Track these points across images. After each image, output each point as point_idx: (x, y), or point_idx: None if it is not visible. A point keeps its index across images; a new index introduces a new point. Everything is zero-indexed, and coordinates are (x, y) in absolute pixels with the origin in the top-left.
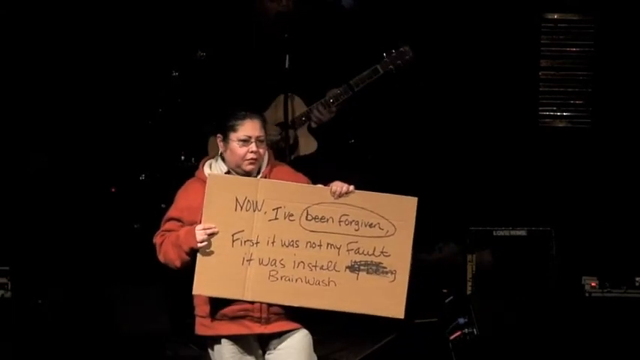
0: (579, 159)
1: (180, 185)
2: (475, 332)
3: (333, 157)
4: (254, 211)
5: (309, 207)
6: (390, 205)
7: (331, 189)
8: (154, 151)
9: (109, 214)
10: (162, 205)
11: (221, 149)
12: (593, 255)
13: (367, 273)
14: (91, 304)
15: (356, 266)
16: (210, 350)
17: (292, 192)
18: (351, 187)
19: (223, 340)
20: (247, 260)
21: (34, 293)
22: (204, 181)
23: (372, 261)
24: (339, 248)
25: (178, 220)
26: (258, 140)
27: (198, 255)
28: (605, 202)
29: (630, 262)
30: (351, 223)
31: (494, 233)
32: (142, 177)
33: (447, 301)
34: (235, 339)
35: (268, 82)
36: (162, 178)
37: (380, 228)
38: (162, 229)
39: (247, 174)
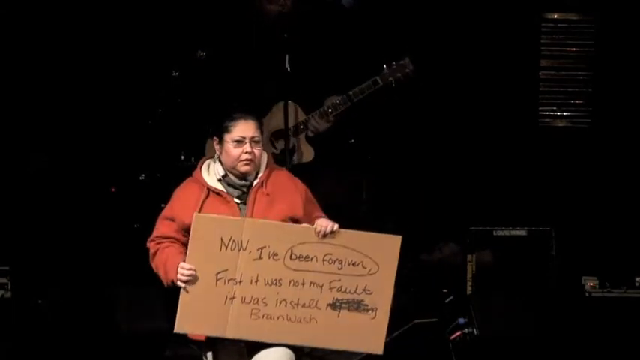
0: (579, 159)
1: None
2: (475, 332)
3: (332, 160)
4: (239, 250)
5: (293, 246)
6: (373, 244)
7: (316, 228)
8: (153, 151)
9: (109, 214)
10: (162, 205)
11: (217, 152)
12: (593, 255)
13: (349, 310)
14: (91, 304)
15: (338, 304)
16: (203, 355)
17: (277, 232)
18: (336, 227)
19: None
20: (230, 298)
21: (34, 293)
22: (201, 183)
23: (354, 298)
24: (321, 286)
25: (172, 219)
26: (252, 141)
27: (181, 293)
28: (605, 202)
29: (630, 262)
30: (334, 261)
31: (494, 233)
32: (142, 177)
33: (447, 301)
34: (224, 341)
35: (268, 83)
36: (162, 178)
37: (363, 266)
38: (155, 231)
39: (243, 175)
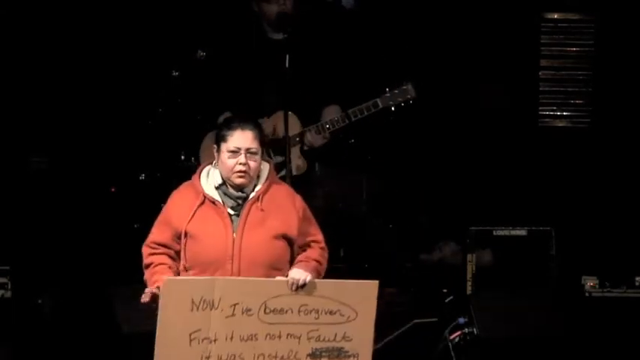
0: (579, 159)
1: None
2: (475, 332)
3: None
4: (210, 309)
5: (267, 300)
6: (349, 291)
7: (288, 281)
8: (153, 151)
9: (109, 214)
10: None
11: (215, 159)
12: (593, 255)
13: (329, 358)
14: (91, 304)
15: (317, 353)
16: None
17: (249, 287)
18: (308, 278)
19: None
20: (206, 358)
21: (34, 293)
22: (197, 188)
23: (333, 347)
24: (299, 337)
25: (166, 225)
26: (248, 152)
27: (155, 355)
28: (605, 202)
29: (630, 262)
30: (310, 312)
31: (494, 233)
32: (142, 177)
33: (447, 301)
34: None
35: (268, 83)
36: (162, 178)
37: (341, 314)
38: (151, 235)
39: (238, 187)
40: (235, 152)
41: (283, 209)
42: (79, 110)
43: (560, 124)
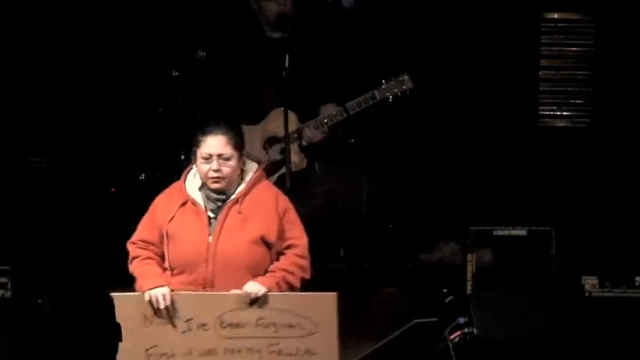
0: (579, 158)
1: None
2: (475, 332)
3: (330, 162)
4: (164, 325)
5: (222, 315)
6: (308, 304)
7: (244, 293)
8: (153, 151)
9: (109, 214)
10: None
11: (193, 163)
12: (593, 255)
13: None
14: (91, 304)
15: None
16: None
17: (202, 302)
18: (262, 291)
19: None
20: None
21: (34, 293)
22: (182, 189)
23: None
24: (260, 352)
25: (152, 224)
26: (220, 158)
27: None
28: (605, 202)
29: (630, 262)
30: (268, 325)
31: (494, 233)
32: (142, 177)
33: (447, 301)
34: None
35: (267, 83)
36: (162, 178)
37: (301, 328)
38: (137, 234)
39: (216, 192)
40: (208, 158)
41: (264, 212)
42: (79, 110)
43: (560, 124)
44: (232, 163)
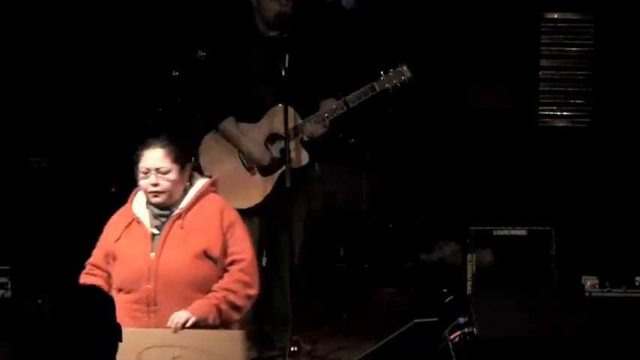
0: (579, 158)
1: None
2: (475, 332)
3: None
4: None
5: (141, 352)
6: (215, 342)
7: (171, 321)
8: None
9: (109, 214)
10: None
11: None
12: (593, 255)
13: None
14: (91, 304)
15: None
16: None
17: (128, 338)
18: (191, 320)
19: None
20: None
21: (34, 293)
22: (128, 209)
23: None
24: None
25: (101, 245)
26: (158, 172)
27: None
28: (605, 202)
29: (630, 262)
30: None
31: (494, 233)
32: None
33: (447, 301)
34: None
35: (267, 83)
36: None
37: None
38: (91, 257)
39: (159, 207)
40: (146, 173)
41: (207, 226)
42: (78, 110)
43: (560, 124)
44: (171, 176)
